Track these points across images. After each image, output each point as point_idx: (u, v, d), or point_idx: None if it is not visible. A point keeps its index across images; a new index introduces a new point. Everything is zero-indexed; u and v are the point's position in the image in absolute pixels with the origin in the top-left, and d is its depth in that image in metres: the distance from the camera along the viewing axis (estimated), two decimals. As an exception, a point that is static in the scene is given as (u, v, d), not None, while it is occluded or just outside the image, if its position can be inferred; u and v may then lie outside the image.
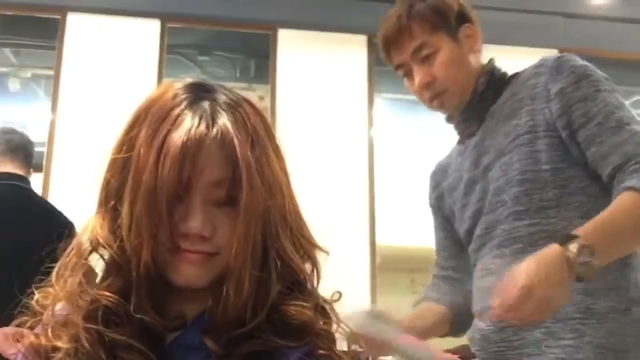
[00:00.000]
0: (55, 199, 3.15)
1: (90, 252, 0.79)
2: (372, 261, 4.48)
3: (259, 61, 5.29)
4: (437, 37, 1.49)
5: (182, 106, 0.78)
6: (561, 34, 4.99)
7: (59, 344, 0.76)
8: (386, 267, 4.63)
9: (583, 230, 1.23)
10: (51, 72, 4.62)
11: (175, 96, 0.80)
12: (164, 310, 0.78)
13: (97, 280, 0.79)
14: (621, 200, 1.26)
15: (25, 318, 0.81)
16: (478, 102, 1.51)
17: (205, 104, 0.79)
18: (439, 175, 1.66)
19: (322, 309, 0.82)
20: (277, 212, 0.79)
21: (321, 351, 0.78)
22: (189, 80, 0.83)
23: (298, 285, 0.81)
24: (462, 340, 1.70)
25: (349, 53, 4.85)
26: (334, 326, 0.81)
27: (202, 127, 0.76)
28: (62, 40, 4.56)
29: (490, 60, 1.55)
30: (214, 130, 0.76)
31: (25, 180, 2.56)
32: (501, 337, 1.39)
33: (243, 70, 5.53)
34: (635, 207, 1.25)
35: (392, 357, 1.69)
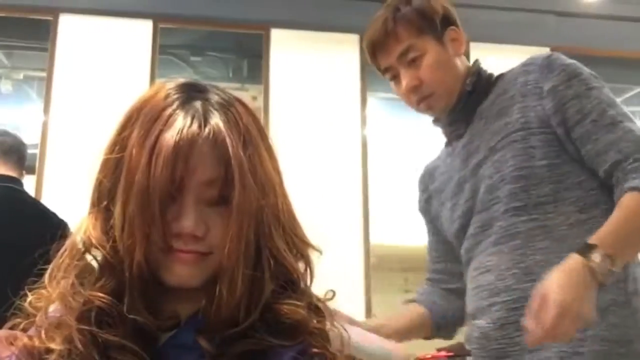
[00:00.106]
0: (48, 201, 3.14)
1: (83, 253, 0.79)
2: (366, 260, 4.49)
3: (252, 61, 5.29)
4: (423, 41, 1.50)
5: (174, 106, 0.78)
6: (553, 32, 5.01)
7: (53, 345, 0.75)
8: (380, 266, 4.63)
9: (599, 238, 1.24)
10: (43, 74, 4.61)
11: (167, 96, 0.80)
12: (158, 310, 0.78)
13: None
14: (628, 203, 1.28)
15: (19, 320, 0.81)
16: (465, 103, 1.52)
17: (198, 104, 0.79)
18: (427, 179, 1.67)
19: (316, 308, 0.82)
20: (270, 211, 0.79)
21: (315, 350, 0.78)
22: (181, 80, 0.83)
23: (291, 284, 0.81)
24: (456, 338, 1.71)
25: (341, 52, 4.85)
26: (328, 325, 0.82)
27: (194, 126, 0.76)
28: (54, 41, 4.55)
29: (476, 62, 1.56)
30: (206, 130, 0.76)
31: (18, 182, 2.56)
32: (502, 334, 1.39)
33: (236, 71, 5.53)
34: None
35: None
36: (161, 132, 0.76)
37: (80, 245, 0.79)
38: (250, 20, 4.83)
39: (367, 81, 4.82)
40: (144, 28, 4.67)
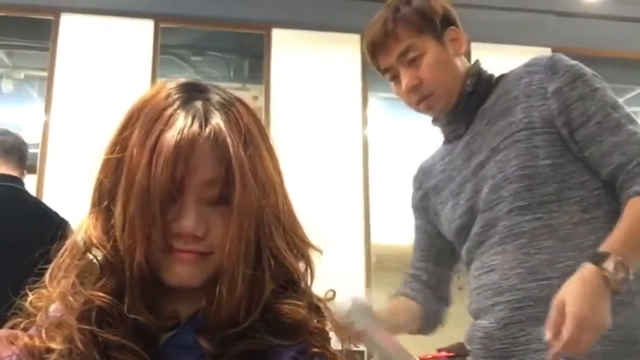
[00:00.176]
0: (49, 200, 3.14)
1: (84, 253, 0.79)
2: (367, 260, 4.49)
3: (253, 61, 5.29)
4: (423, 40, 1.50)
5: (175, 106, 0.78)
6: (553, 33, 5.01)
7: (53, 345, 0.75)
8: (381, 266, 4.63)
9: (611, 245, 1.25)
10: (45, 73, 4.61)
11: (168, 96, 0.80)
12: (158, 310, 0.78)
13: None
14: (636, 208, 1.30)
15: (19, 320, 0.81)
16: (466, 104, 1.52)
17: (198, 104, 0.79)
18: (422, 177, 1.67)
19: (316, 308, 0.82)
20: (271, 211, 0.79)
21: (315, 349, 0.78)
22: (182, 80, 0.84)
23: (292, 284, 0.81)
24: (457, 339, 1.71)
25: (342, 52, 4.85)
26: (328, 324, 0.82)
27: (195, 126, 0.76)
28: (55, 41, 4.55)
29: (476, 62, 1.56)
30: (207, 129, 0.76)
31: (19, 181, 2.56)
32: (506, 334, 1.39)
33: (237, 70, 5.53)
34: None
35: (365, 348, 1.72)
36: (162, 132, 0.76)
37: (80, 245, 0.79)
38: (252, 20, 4.83)
39: (368, 81, 4.82)
40: (145, 28, 4.67)
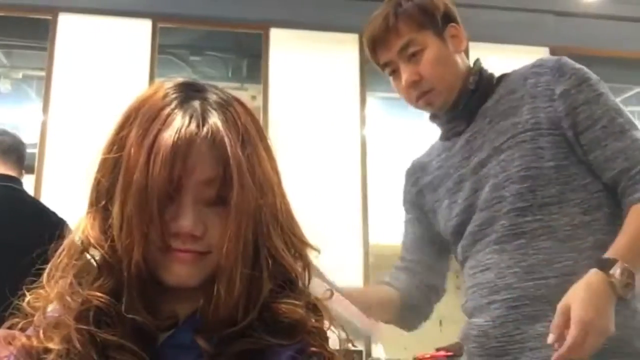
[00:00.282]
0: (47, 200, 3.14)
1: (82, 253, 0.79)
2: (365, 260, 4.49)
3: (251, 61, 5.29)
4: (424, 36, 1.50)
5: (173, 106, 0.78)
6: (552, 32, 5.01)
7: (51, 345, 0.75)
8: (379, 265, 4.63)
9: (618, 252, 1.27)
10: (42, 73, 4.61)
11: (165, 96, 0.80)
12: (156, 310, 0.78)
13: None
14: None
15: (17, 320, 0.80)
16: (467, 102, 1.52)
17: (196, 104, 0.79)
18: (418, 172, 1.67)
19: (314, 307, 0.82)
20: (268, 211, 0.79)
21: (313, 349, 0.78)
22: (180, 79, 0.83)
23: (290, 283, 0.81)
24: (455, 338, 1.71)
25: (341, 52, 4.85)
26: (326, 324, 0.82)
27: (193, 126, 0.76)
28: (53, 41, 4.55)
29: (477, 61, 1.56)
30: (205, 129, 0.76)
31: (17, 181, 2.56)
32: (502, 332, 1.39)
33: (235, 70, 5.53)
34: None
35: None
36: (159, 131, 0.76)
37: (78, 245, 0.79)
38: (250, 20, 4.82)
39: (367, 81, 4.82)
40: (143, 27, 4.67)
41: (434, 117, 1.61)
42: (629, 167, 1.35)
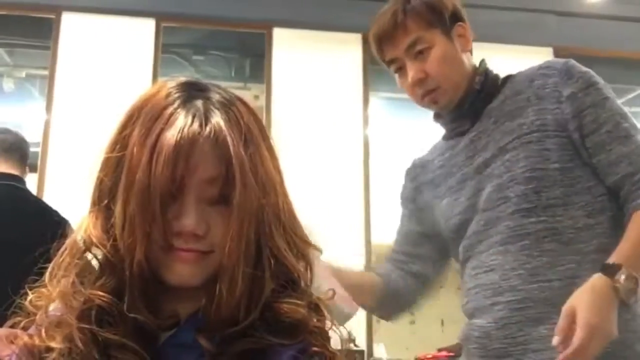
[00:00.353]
0: (50, 199, 3.14)
1: (84, 252, 0.79)
2: (367, 260, 4.49)
3: (254, 60, 5.29)
4: (432, 34, 1.50)
5: (175, 105, 0.78)
6: (554, 33, 5.00)
7: (53, 344, 0.75)
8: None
9: (623, 257, 1.28)
10: (46, 72, 4.62)
11: (168, 95, 0.80)
12: (158, 309, 0.78)
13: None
14: None
15: (19, 319, 0.81)
16: (473, 101, 1.52)
17: (199, 103, 0.79)
18: (418, 170, 1.67)
19: (316, 307, 0.82)
20: (271, 210, 0.79)
21: (315, 349, 0.78)
22: (182, 79, 0.84)
23: (292, 283, 0.81)
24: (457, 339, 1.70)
25: (344, 52, 4.85)
26: (328, 323, 0.82)
27: (195, 125, 0.76)
28: (56, 39, 4.55)
29: (483, 61, 1.57)
30: (207, 128, 0.76)
31: (20, 180, 2.55)
32: (505, 334, 1.39)
33: (238, 70, 5.53)
34: None
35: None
36: (162, 131, 0.76)
37: (80, 244, 0.79)
38: (253, 20, 4.83)
39: (370, 80, 4.82)
40: (146, 27, 4.67)
41: (437, 116, 1.61)
42: (632, 171, 1.36)
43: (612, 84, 1.47)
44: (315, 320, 0.80)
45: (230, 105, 0.80)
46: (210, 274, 0.78)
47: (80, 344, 0.74)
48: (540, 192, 1.40)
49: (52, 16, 4.60)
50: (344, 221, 4.47)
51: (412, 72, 1.50)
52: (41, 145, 4.33)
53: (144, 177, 0.74)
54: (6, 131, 2.66)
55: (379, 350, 4.55)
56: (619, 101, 1.46)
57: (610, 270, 1.26)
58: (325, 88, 4.79)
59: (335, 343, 0.82)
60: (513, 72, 1.57)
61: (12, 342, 0.80)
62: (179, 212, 0.77)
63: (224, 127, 0.77)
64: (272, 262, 0.79)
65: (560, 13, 5.08)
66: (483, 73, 1.54)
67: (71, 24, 4.60)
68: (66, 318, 0.76)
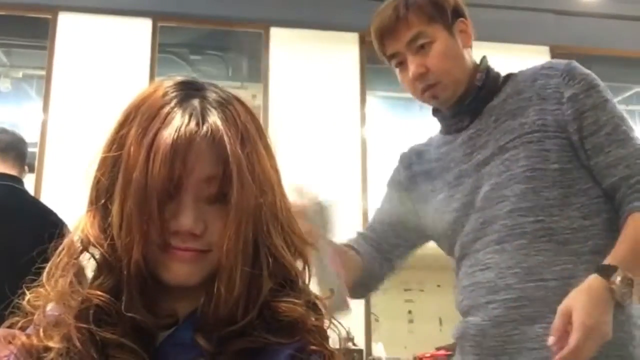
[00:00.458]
0: (48, 199, 3.14)
1: (81, 252, 0.79)
2: (366, 259, 4.48)
3: (251, 60, 5.29)
4: (433, 29, 1.50)
5: (172, 104, 0.78)
6: (552, 31, 5.01)
7: (51, 344, 0.75)
8: (379, 264, 4.62)
9: (619, 259, 1.29)
10: (42, 72, 4.61)
11: (165, 94, 0.80)
12: (156, 308, 0.78)
13: (88, 281, 0.79)
14: (638, 223, 1.34)
15: (17, 319, 0.80)
16: (474, 98, 1.52)
17: (195, 102, 0.79)
18: (414, 158, 1.67)
19: (314, 306, 0.82)
20: (268, 209, 0.79)
21: (313, 347, 0.78)
22: (179, 78, 0.83)
23: (290, 282, 0.81)
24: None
25: (341, 51, 4.85)
26: (326, 322, 0.82)
27: (192, 124, 0.76)
28: (53, 40, 4.55)
29: (484, 58, 1.57)
30: (204, 127, 0.76)
31: (17, 180, 2.54)
32: (500, 332, 1.40)
33: (235, 69, 5.54)
34: None
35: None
36: (159, 130, 0.76)
37: (78, 244, 0.79)
38: (250, 19, 4.83)
39: (367, 80, 4.82)
40: (143, 27, 4.67)
41: (436, 112, 1.61)
42: (629, 174, 1.37)
43: (609, 83, 1.48)
44: (313, 319, 0.80)
45: (227, 104, 0.80)
46: (208, 273, 0.78)
47: (78, 344, 0.74)
48: (539, 192, 1.41)
49: (49, 16, 4.60)
50: (342, 220, 4.47)
51: (413, 67, 1.50)
52: (38, 146, 4.32)
53: (141, 176, 0.74)
54: (3, 131, 2.66)
55: (377, 349, 4.56)
56: (616, 99, 1.46)
57: (606, 272, 1.27)
58: (322, 87, 4.79)
59: (333, 342, 0.82)
60: (510, 70, 1.58)
61: (10, 342, 0.80)
62: (176, 211, 0.76)
63: (220, 126, 0.77)
64: (270, 261, 0.79)
65: (558, 12, 5.09)
66: (484, 70, 1.54)
67: (68, 24, 4.60)
68: (64, 318, 0.76)
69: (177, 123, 0.76)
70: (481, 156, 1.49)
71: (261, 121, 0.85)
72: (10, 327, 0.81)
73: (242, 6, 4.76)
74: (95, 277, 0.78)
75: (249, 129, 0.80)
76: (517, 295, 1.38)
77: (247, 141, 0.79)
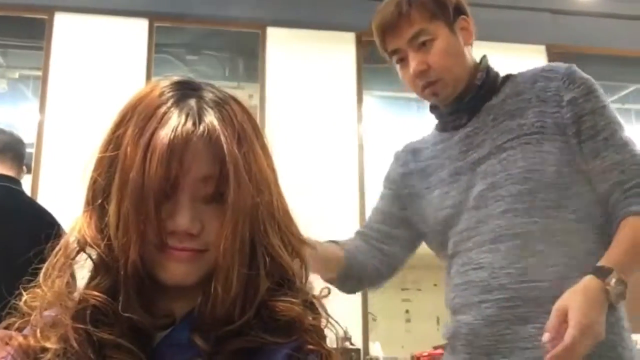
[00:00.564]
0: (44, 200, 3.14)
1: (78, 252, 0.79)
2: (363, 258, 4.49)
3: (248, 60, 5.29)
4: (435, 26, 1.50)
5: (169, 104, 0.78)
6: (549, 31, 5.02)
7: (48, 344, 0.75)
8: (377, 264, 4.63)
9: (614, 261, 1.31)
10: (39, 73, 4.61)
11: (161, 94, 0.80)
12: (153, 308, 0.78)
13: (79, 285, 0.79)
14: (632, 227, 1.36)
15: (14, 319, 0.80)
16: (473, 96, 1.53)
17: (192, 102, 0.79)
18: (409, 156, 1.67)
19: (311, 305, 0.82)
20: (265, 208, 0.79)
21: (310, 347, 0.78)
22: (175, 78, 0.83)
23: (287, 281, 0.81)
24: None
25: (337, 51, 4.85)
26: (323, 322, 0.82)
27: (189, 124, 0.76)
28: (49, 40, 4.55)
29: (485, 57, 1.57)
30: (201, 127, 0.76)
31: (14, 181, 2.53)
32: (492, 331, 1.40)
33: (232, 69, 5.53)
34: None
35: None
36: (155, 130, 0.75)
37: (75, 244, 0.79)
38: (246, 19, 4.83)
39: (363, 79, 4.82)
40: (139, 27, 4.67)
41: (434, 108, 1.61)
42: (624, 179, 1.38)
43: (605, 82, 1.48)
44: (310, 318, 0.80)
45: (223, 104, 0.80)
46: (205, 273, 0.78)
47: (75, 344, 0.74)
48: (535, 194, 1.41)
49: (45, 17, 4.59)
50: (338, 219, 4.47)
51: (414, 63, 1.50)
52: (35, 146, 4.32)
53: (137, 176, 0.74)
54: (1, 132, 2.64)
55: (374, 348, 4.56)
56: (612, 98, 1.47)
57: (602, 273, 1.28)
58: (319, 87, 4.79)
59: (331, 341, 0.82)
60: (506, 69, 1.58)
61: (7, 343, 0.80)
62: (173, 211, 0.76)
63: (217, 126, 0.77)
64: (267, 260, 0.79)
65: (554, 11, 5.10)
66: (485, 69, 1.55)
67: (64, 25, 4.60)
68: (61, 318, 0.76)
69: (174, 123, 0.76)
70: (477, 155, 1.50)
71: (258, 121, 0.85)
72: (7, 328, 0.81)
73: (238, 6, 4.75)
74: (92, 278, 0.78)
75: (245, 129, 0.80)
76: (511, 296, 1.38)
77: (244, 141, 0.79)
